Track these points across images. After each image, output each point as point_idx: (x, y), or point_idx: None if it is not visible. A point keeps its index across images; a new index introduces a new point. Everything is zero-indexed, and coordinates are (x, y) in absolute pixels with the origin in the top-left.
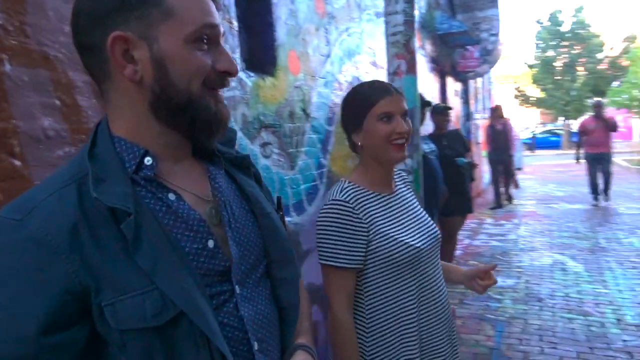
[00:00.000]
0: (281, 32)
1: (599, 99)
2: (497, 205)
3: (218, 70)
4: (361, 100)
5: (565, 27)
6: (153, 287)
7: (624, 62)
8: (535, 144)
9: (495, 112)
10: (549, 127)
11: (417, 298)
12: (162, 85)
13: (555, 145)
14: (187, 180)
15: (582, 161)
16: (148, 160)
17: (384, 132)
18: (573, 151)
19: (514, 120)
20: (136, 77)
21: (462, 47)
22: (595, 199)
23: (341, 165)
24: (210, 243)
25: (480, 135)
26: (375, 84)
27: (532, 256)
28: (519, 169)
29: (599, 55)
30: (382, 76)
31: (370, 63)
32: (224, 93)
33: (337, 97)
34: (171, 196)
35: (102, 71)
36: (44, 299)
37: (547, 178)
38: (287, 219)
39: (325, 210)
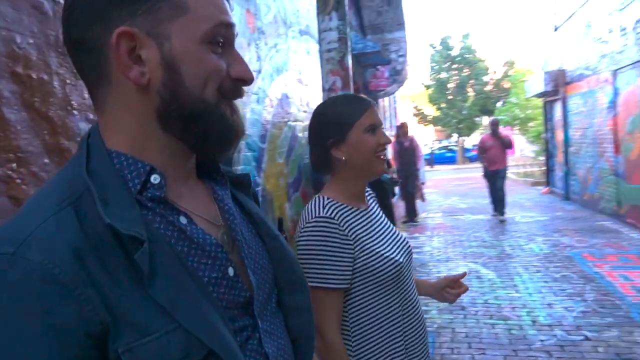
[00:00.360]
0: None
1: (495, 117)
2: (410, 219)
3: (232, 77)
4: (345, 113)
5: (455, 52)
6: (175, 326)
7: (506, 85)
8: (433, 159)
9: (402, 130)
10: (445, 143)
11: (401, 315)
12: (172, 90)
13: (451, 161)
14: (194, 201)
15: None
16: (155, 179)
17: (372, 144)
18: (467, 166)
19: (418, 137)
20: (143, 80)
21: (373, 67)
22: (495, 210)
23: (274, 183)
24: (230, 271)
25: (390, 152)
26: (354, 97)
27: (448, 266)
28: (423, 183)
29: (485, 78)
30: (308, 93)
31: (297, 80)
32: None
33: (269, 114)
34: (182, 219)
35: (99, 73)
36: (61, 350)
37: (449, 191)
38: None
39: (309, 229)
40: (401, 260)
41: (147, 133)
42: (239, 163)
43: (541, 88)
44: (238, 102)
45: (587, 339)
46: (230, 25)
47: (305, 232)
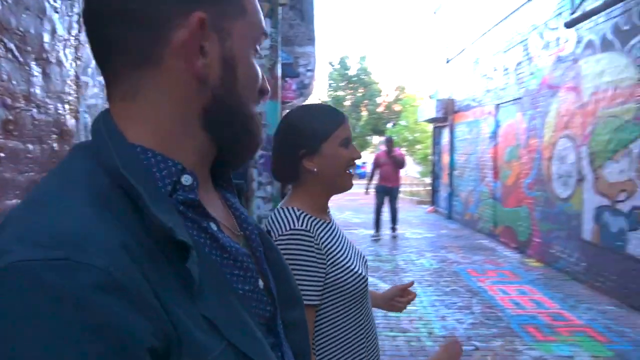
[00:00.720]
0: None
1: (390, 135)
2: None
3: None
4: (322, 124)
5: (352, 72)
6: (225, 344)
7: (397, 108)
8: None
9: None
10: None
11: (365, 330)
12: (227, 90)
13: None
14: (214, 208)
15: (372, 191)
16: (186, 180)
17: (345, 158)
18: (357, 182)
19: None
20: (204, 73)
21: (282, 79)
22: (376, 229)
23: None
24: (260, 283)
25: None
26: (330, 108)
27: None
28: None
29: (378, 100)
30: None
31: None
32: (86, 100)
33: None
34: (213, 226)
35: (144, 52)
36: None
37: (342, 206)
38: None
39: (284, 241)
40: (365, 274)
41: (185, 130)
42: None
43: (432, 114)
44: None
45: (477, 349)
46: (267, 35)
47: (279, 244)
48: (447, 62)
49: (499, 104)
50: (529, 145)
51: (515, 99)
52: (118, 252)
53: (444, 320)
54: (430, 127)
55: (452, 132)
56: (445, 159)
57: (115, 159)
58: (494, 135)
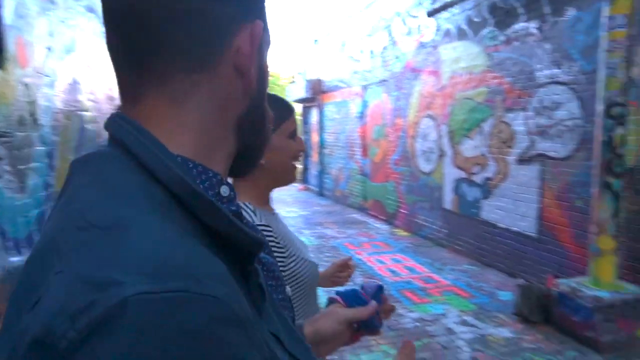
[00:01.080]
0: (9, 10)
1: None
2: None
3: None
4: (273, 115)
5: None
6: (288, 356)
7: None
8: None
9: None
10: None
11: None
12: (259, 98)
13: None
14: None
15: None
16: (224, 191)
17: (293, 150)
18: None
19: None
20: (253, 82)
21: None
22: None
23: None
24: (288, 290)
25: None
26: (278, 98)
27: None
28: None
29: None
30: (94, 80)
31: (85, 64)
32: None
33: (60, 101)
34: None
35: (202, 58)
36: None
37: None
38: (18, 258)
39: None
40: (315, 262)
41: (222, 138)
42: (31, 159)
43: (302, 94)
44: (32, 84)
45: None
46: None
47: None
48: (315, 42)
49: (366, 85)
50: (395, 124)
51: (382, 81)
52: (227, 279)
53: (331, 293)
54: (298, 106)
55: (321, 112)
56: (315, 137)
57: (176, 170)
58: (362, 115)
